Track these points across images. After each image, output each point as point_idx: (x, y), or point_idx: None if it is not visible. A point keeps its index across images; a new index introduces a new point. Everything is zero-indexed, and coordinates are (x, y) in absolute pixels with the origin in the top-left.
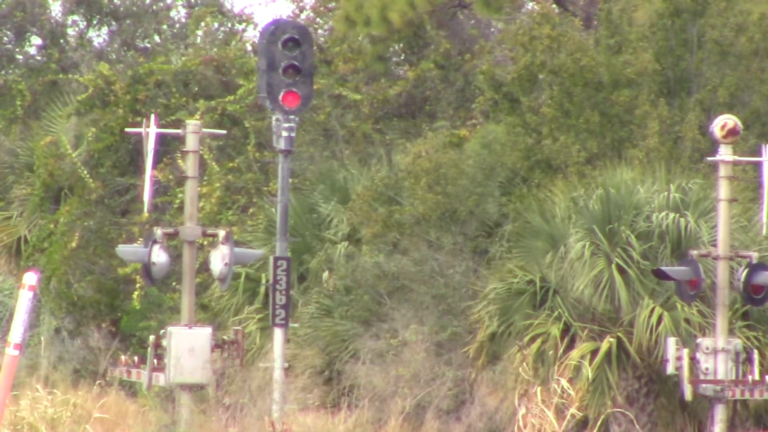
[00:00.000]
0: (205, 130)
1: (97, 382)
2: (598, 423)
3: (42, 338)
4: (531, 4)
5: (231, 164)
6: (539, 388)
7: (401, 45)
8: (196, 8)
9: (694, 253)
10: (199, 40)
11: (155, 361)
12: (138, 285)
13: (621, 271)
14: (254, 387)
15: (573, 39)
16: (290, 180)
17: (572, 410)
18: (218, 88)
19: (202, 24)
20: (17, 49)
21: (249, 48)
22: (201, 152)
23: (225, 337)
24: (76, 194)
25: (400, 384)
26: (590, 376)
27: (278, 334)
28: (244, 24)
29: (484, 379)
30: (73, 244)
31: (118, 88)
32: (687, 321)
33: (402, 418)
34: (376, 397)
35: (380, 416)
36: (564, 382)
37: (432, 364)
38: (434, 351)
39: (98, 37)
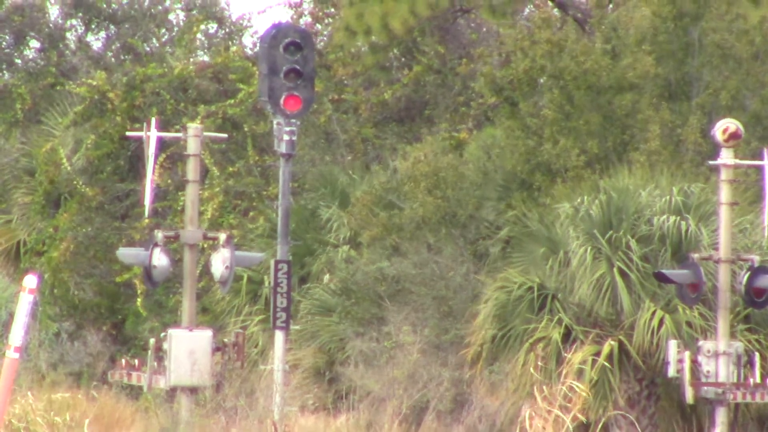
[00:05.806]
0: (206, 133)
1: (93, 383)
2: (600, 426)
3: (41, 341)
4: (530, 7)
5: (231, 168)
6: (543, 392)
7: (400, 50)
8: (194, 11)
9: (696, 256)
10: (197, 43)
11: (155, 363)
12: (140, 291)
13: (622, 274)
14: (254, 389)
15: (576, 42)
16: (291, 183)
17: (574, 413)
18: (215, 94)
19: (201, 27)
20: (16, 53)
21: (249, 53)
22: (202, 157)
23: (225, 340)
24: (75, 201)
25: (403, 386)
26: (592, 380)
27: (279, 337)
28: (241, 30)
29: (484, 381)
30: (72, 248)
31: (113, 96)
32: (688, 324)
33: (400, 420)
34: (375, 399)
35: (380, 418)
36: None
37: (431, 366)
38: (434, 353)
39: (97, 41)
